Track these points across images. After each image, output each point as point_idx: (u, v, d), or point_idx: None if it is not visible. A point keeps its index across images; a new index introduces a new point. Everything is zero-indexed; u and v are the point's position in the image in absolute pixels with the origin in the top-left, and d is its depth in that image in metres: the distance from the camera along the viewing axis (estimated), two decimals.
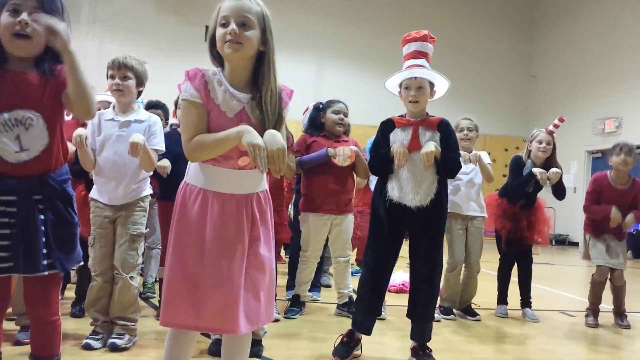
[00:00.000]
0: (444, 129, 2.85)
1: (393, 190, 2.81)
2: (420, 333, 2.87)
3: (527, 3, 14.43)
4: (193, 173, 1.83)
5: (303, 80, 12.14)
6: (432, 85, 2.86)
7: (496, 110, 11.82)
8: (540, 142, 4.06)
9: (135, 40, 11.69)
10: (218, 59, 1.84)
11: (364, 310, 2.90)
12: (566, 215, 11.15)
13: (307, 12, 12.94)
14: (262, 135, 1.69)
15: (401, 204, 2.79)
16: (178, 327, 1.78)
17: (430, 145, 2.74)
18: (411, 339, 2.91)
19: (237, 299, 1.73)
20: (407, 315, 2.92)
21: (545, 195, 4.28)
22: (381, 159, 2.88)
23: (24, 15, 1.76)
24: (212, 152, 1.76)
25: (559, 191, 4.04)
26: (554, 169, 3.90)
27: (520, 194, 4.07)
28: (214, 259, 1.74)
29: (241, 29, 1.74)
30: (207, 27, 1.88)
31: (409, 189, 2.78)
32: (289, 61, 12.42)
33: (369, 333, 2.90)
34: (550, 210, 4.23)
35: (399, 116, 2.93)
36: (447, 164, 2.81)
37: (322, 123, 3.89)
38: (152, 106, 3.94)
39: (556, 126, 4.12)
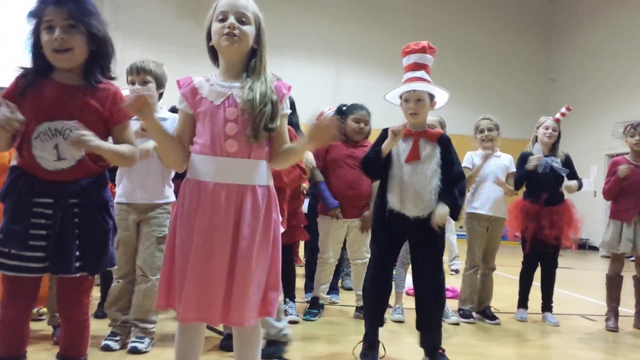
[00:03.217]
0: (444, 146, 2.83)
1: (393, 200, 2.80)
2: (431, 341, 2.85)
3: (545, 6, 14.32)
4: (189, 166, 1.88)
5: (320, 84, 12.18)
6: (432, 96, 2.87)
7: (515, 114, 11.72)
8: (547, 128, 4.15)
9: (156, 46, 11.81)
10: (213, 54, 1.92)
11: (367, 320, 2.92)
12: (586, 219, 10.98)
13: (325, 17, 12.99)
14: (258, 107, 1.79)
15: (400, 213, 2.78)
16: (162, 308, 1.86)
17: (444, 210, 2.73)
18: (421, 346, 2.90)
19: (216, 292, 1.76)
20: (417, 327, 2.90)
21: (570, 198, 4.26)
22: (374, 156, 2.85)
23: (58, 32, 1.85)
24: (160, 152, 1.87)
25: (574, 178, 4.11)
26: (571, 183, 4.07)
27: (522, 181, 4.10)
28: (200, 250, 1.77)
29: (239, 24, 1.83)
30: None
31: (409, 199, 2.77)
32: (307, 66, 12.49)
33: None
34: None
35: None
36: (454, 210, 2.79)
37: (343, 127, 3.88)
38: (174, 111, 4.00)
39: (563, 114, 4.19)
